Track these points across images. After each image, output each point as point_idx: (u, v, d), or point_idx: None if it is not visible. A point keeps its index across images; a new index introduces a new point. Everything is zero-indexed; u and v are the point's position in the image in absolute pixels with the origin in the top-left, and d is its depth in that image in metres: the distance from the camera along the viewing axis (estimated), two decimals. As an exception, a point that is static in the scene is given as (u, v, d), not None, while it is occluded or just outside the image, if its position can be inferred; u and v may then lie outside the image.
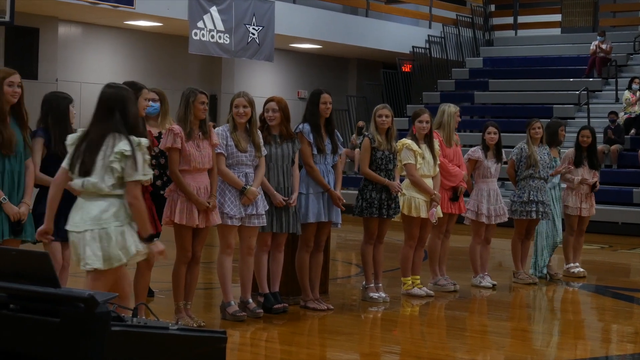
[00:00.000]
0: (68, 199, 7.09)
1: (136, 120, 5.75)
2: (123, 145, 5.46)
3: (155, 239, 5.67)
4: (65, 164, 5.65)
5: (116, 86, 5.81)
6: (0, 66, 17.95)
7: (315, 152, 8.50)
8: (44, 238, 6.04)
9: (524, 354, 7.50)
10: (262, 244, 8.29)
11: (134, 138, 5.54)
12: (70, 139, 5.70)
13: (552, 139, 10.90)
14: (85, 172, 5.51)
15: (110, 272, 5.55)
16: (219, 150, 7.81)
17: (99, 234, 5.48)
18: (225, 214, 7.82)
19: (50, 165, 7.02)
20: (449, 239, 10.11)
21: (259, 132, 8.11)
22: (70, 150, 5.65)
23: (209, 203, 7.48)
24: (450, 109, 9.95)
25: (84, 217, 5.51)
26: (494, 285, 10.27)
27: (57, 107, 7.15)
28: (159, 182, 7.76)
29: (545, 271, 10.96)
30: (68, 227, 5.63)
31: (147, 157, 5.62)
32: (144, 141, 5.60)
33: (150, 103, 7.77)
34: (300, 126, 8.54)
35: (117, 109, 5.59)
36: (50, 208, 5.82)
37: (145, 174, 5.56)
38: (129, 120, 5.58)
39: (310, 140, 8.48)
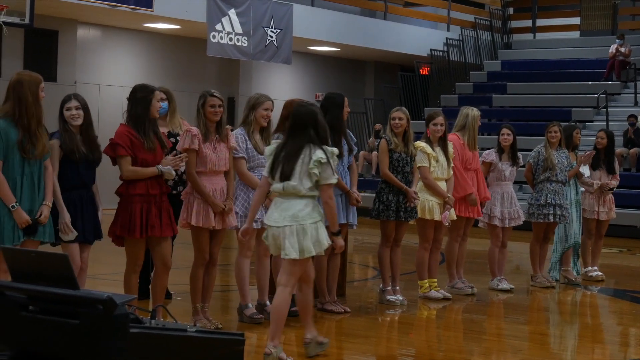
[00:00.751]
0: (82, 203, 7.14)
1: (326, 132, 6.68)
2: (320, 154, 6.44)
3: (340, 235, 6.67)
4: (265, 172, 6.68)
5: (307, 104, 6.83)
6: (19, 69, 18.07)
7: (334, 154, 8.52)
8: (245, 237, 7.12)
9: (542, 358, 7.48)
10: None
11: (327, 148, 6.54)
12: (268, 150, 6.72)
13: (567, 142, 10.86)
14: (285, 177, 6.50)
15: (303, 261, 6.55)
16: (240, 155, 7.84)
17: (297, 229, 6.46)
18: None
19: (61, 168, 7.07)
20: (466, 242, 10.10)
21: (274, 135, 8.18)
22: (269, 160, 6.64)
23: (224, 206, 7.50)
24: (474, 112, 9.94)
25: (283, 214, 6.51)
26: (511, 288, 10.24)
27: (59, 111, 7.20)
28: (170, 183, 7.82)
29: (554, 275, 10.90)
30: (268, 222, 6.62)
31: (335, 164, 6.60)
32: (336, 150, 6.63)
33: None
34: None
35: (310, 125, 6.55)
36: (253, 210, 6.94)
37: (335, 178, 6.61)
38: (320, 134, 6.57)
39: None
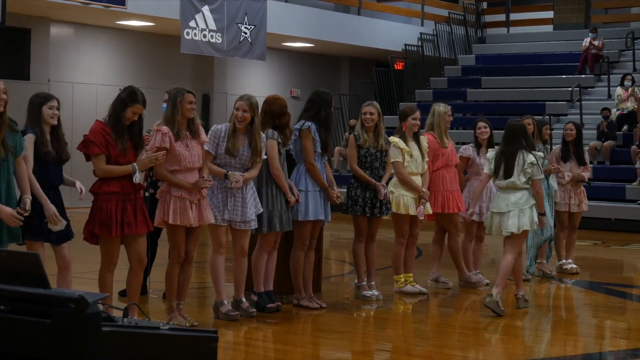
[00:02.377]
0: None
1: (532, 140, 9.08)
2: (532, 158, 8.66)
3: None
4: (487, 169, 8.98)
5: (518, 121, 9.07)
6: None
7: (319, 150, 8.52)
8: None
9: (517, 351, 7.51)
10: (266, 244, 8.30)
11: (535, 153, 8.79)
12: (489, 155, 9.01)
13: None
14: (507, 175, 8.69)
15: (521, 235, 8.76)
16: (206, 148, 7.80)
17: (517, 212, 8.67)
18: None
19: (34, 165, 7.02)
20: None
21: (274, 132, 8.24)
22: (491, 162, 8.86)
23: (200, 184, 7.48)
24: (440, 108, 9.96)
25: (506, 202, 8.72)
26: (487, 283, 10.26)
27: (32, 108, 7.15)
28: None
29: (530, 270, 10.92)
30: (494, 210, 8.84)
31: (542, 164, 8.98)
32: (541, 154, 9.06)
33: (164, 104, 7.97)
34: (308, 124, 8.52)
35: (522, 136, 8.77)
36: (476, 197, 9.59)
37: (542, 175, 8.89)
38: (529, 142, 8.81)
39: (316, 139, 8.49)
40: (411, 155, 9.37)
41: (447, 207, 9.81)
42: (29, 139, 6.99)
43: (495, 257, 13.02)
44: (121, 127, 7.13)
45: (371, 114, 9.05)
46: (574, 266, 11.47)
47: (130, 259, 7.36)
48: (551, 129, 11.86)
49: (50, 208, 6.98)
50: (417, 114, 9.43)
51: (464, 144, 10.56)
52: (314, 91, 8.83)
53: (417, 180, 9.41)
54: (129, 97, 7.16)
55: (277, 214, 8.21)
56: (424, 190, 9.38)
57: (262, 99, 8.38)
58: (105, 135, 7.07)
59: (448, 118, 9.96)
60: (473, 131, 10.40)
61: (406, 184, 9.33)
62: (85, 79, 20.04)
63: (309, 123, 8.51)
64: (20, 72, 18.55)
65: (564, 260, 11.46)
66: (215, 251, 8.01)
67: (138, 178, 7.14)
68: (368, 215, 9.06)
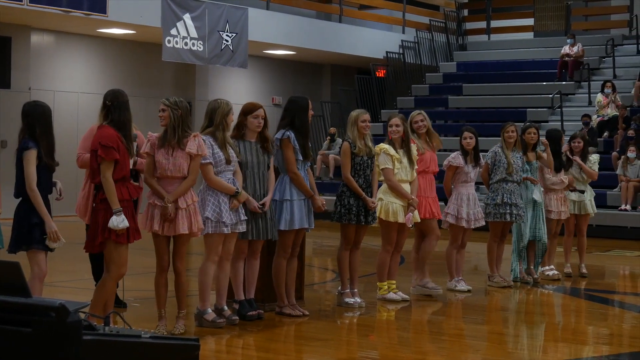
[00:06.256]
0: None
1: None
2: None
3: None
4: None
5: None
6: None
7: (301, 158, 8.51)
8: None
9: (500, 357, 7.51)
10: (239, 251, 8.27)
11: None
12: None
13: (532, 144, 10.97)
14: None
15: None
16: (207, 160, 7.80)
17: None
18: (223, 222, 7.82)
19: (40, 176, 6.95)
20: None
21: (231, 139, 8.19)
22: None
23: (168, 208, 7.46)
24: (411, 114, 10.10)
25: None
26: (469, 290, 10.28)
27: (44, 117, 7.06)
28: None
29: (513, 277, 10.95)
30: None
31: None
32: None
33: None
34: (287, 133, 8.51)
35: None
36: None
37: None
38: None
39: (296, 147, 8.47)
40: (400, 162, 9.36)
41: (420, 212, 9.73)
42: (32, 154, 6.92)
43: (477, 263, 13.04)
44: (131, 130, 7.19)
45: (369, 121, 9.15)
46: (556, 272, 11.51)
47: (111, 267, 7.32)
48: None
49: (53, 226, 6.93)
50: (394, 120, 9.39)
51: (444, 150, 10.59)
52: (289, 98, 8.86)
53: (406, 187, 9.40)
54: (126, 96, 7.24)
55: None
56: (412, 197, 9.37)
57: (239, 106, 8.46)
58: (119, 142, 7.04)
59: (415, 125, 9.93)
60: (459, 139, 10.46)
61: (396, 191, 9.31)
62: (66, 87, 19.97)
63: (288, 132, 8.50)
64: (1, 80, 18.47)
65: (547, 267, 11.51)
66: (210, 259, 7.95)
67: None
68: (362, 223, 9.06)
